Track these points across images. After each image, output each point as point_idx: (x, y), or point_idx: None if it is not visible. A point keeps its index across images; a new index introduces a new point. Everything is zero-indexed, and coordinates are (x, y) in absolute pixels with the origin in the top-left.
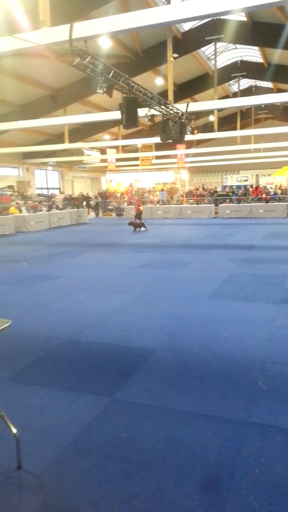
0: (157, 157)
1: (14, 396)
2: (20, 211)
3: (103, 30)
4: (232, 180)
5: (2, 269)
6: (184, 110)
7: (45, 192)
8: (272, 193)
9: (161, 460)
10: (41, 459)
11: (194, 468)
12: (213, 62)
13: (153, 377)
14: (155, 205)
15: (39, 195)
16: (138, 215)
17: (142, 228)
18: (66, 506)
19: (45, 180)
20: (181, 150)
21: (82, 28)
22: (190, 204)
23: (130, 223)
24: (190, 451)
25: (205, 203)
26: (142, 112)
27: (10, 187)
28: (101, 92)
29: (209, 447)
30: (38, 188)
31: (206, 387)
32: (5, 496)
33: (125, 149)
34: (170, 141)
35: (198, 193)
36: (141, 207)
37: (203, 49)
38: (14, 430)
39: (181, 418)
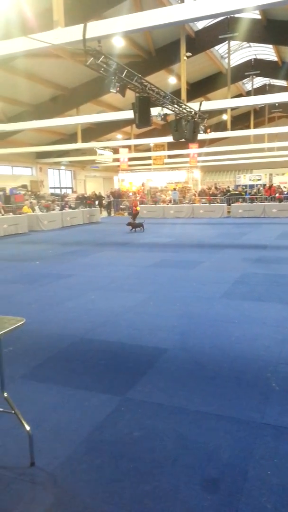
0: (170, 156)
1: (27, 393)
2: (34, 210)
3: (116, 30)
4: (245, 179)
5: (16, 267)
6: (197, 109)
7: (58, 191)
8: (285, 192)
9: (173, 459)
10: (53, 457)
11: (206, 468)
12: (226, 60)
13: (165, 376)
14: (167, 204)
15: (52, 194)
16: (134, 215)
17: (138, 228)
18: (79, 503)
19: (58, 179)
20: (193, 149)
21: (96, 28)
22: (203, 203)
23: (129, 223)
24: (202, 451)
25: (217, 203)
26: (155, 111)
27: (24, 186)
28: (114, 91)
29: (221, 448)
30: (51, 188)
31: (219, 387)
32: (19, 493)
33: (137, 148)
34: (183, 140)
35: (210, 192)
36: (138, 208)
37: (216, 47)
38: (28, 427)
39: (193, 418)
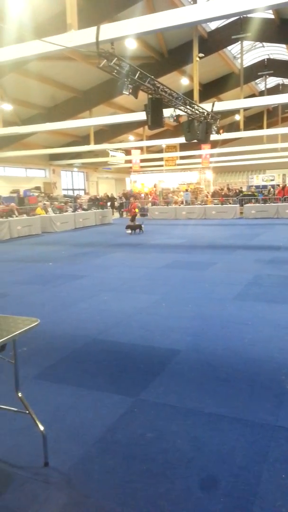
0: (182, 157)
1: (41, 393)
2: (47, 212)
3: (129, 32)
4: (258, 179)
5: (30, 268)
6: (209, 110)
7: (70, 193)
8: None
9: (187, 461)
10: (67, 457)
11: (220, 470)
12: (239, 61)
13: (178, 378)
14: (179, 205)
15: (65, 196)
16: (133, 217)
17: (137, 230)
18: (92, 504)
19: (71, 181)
20: (206, 150)
21: (109, 30)
22: (215, 204)
23: (128, 226)
24: (216, 454)
25: (230, 203)
26: (167, 112)
27: (37, 188)
28: (127, 93)
29: (235, 450)
30: (64, 189)
31: (232, 389)
32: (33, 492)
33: (149, 149)
34: (195, 141)
35: (223, 193)
36: (137, 209)
37: (229, 48)
38: (41, 428)
39: (206, 420)
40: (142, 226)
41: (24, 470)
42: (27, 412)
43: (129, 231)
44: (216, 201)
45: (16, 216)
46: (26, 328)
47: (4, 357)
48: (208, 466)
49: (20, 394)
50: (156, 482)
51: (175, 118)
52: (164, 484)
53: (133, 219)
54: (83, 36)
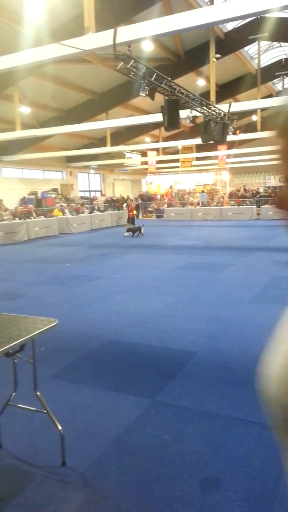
0: (198, 159)
1: (58, 393)
2: (64, 213)
3: (146, 34)
4: (275, 180)
5: (47, 269)
6: (226, 111)
7: (87, 194)
8: None
9: (204, 464)
10: (84, 457)
11: (237, 474)
12: (256, 61)
13: (195, 380)
14: (195, 206)
15: (81, 197)
16: (130, 219)
17: (137, 233)
18: (109, 504)
19: (87, 183)
20: (222, 151)
21: (126, 33)
22: (231, 205)
23: (128, 229)
24: (233, 457)
25: (246, 205)
26: (183, 113)
27: (54, 190)
28: (144, 95)
29: (253, 454)
30: (80, 191)
31: (249, 392)
32: (51, 491)
33: (165, 151)
34: (212, 142)
35: (239, 194)
36: (135, 211)
37: (246, 48)
38: (59, 427)
39: (223, 423)
40: (142, 228)
41: (42, 469)
42: (45, 411)
43: (127, 233)
44: (232, 202)
45: (34, 218)
46: (44, 328)
47: (23, 357)
48: (225, 469)
49: (38, 394)
50: (173, 484)
51: (191, 119)
52: (181, 486)
53: (131, 221)
54: (100, 39)
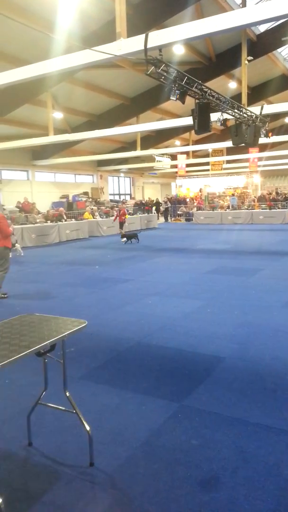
0: (228, 162)
1: (87, 394)
2: (94, 216)
3: (177, 38)
4: None
5: (77, 271)
6: (258, 113)
7: (117, 198)
8: None
9: (232, 471)
10: (112, 458)
11: (266, 482)
12: None
13: (223, 385)
14: (225, 210)
15: (111, 201)
16: (121, 224)
17: (133, 239)
18: (136, 507)
19: (117, 186)
20: (254, 154)
21: (157, 37)
22: (262, 209)
23: (123, 236)
24: (262, 465)
25: (278, 208)
26: (214, 116)
27: (85, 193)
28: (174, 99)
29: (283, 462)
30: (110, 194)
31: (280, 400)
32: (79, 491)
33: (195, 154)
34: (243, 144)
35: (271, 198)
36: (127, 216)
37: (279, 50)
38: (88, 428)
39: (252, 430)
40: (138, 235)
41: (71, 469)
42: (74, 411)
43: (124, 239)
44: (263, 205)
45: (65, 221)
46: (74, 329)
47: (53, 357)
48: (254, 477)
49: (68, 394)
50: (200, 490)
51: (222, 122)
52: (208, 492)
53: (121, 226)
54: (132, 44)
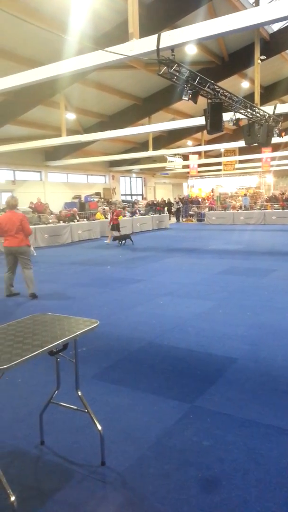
0: (241, 161)
1: (99, 393)
2: (106, 216)
3: (190, 38)
4: None
5: (89, 271)
6: (271, 112)
7: (128, 198)
8: None
9: (243, 472)
10: (123, 458)
11: (278, 484)
12: None
13: (235, 386)
14: (237, 210)
15: (123, 201)
16: (115, 226)
17: (126, 240)
18: (148, 507)
19: (129, 186)
20: (266, 154)
21: (169, 38)
22: (275, 209)
23: (115, 238)
24: (274, 467)
25: None
26: (226, 116)
27: (97, 194)
28: (186, 99)
29: None
30: (122, 195)
31: None
32: (90, 490)
33: (207, 154)
34: (255, 144)
35: (284, 198)
36: (121, 217)
37: None
38: (99, 427)
39: (264, 432)
40: (131, 236)
41: (82, 468)
42: (86, 411)
43: (113, 241)
44: (276, 206)
45: (77, 221)
46: (86, 329)
47: (66, 356)
48: (266, 479)
49: (79, 393)
50: (211, 491)
51: (234, 122)
52: (219, 494)
53: (114, 228)
54: (144, 45)
